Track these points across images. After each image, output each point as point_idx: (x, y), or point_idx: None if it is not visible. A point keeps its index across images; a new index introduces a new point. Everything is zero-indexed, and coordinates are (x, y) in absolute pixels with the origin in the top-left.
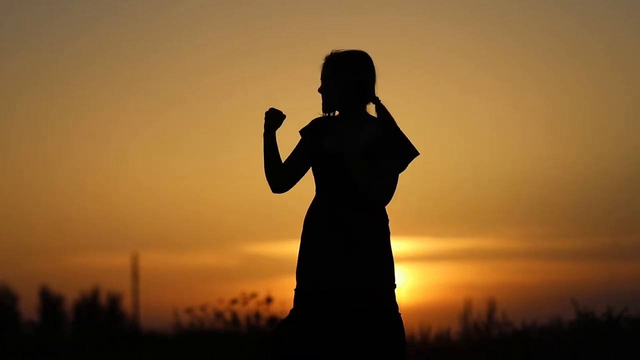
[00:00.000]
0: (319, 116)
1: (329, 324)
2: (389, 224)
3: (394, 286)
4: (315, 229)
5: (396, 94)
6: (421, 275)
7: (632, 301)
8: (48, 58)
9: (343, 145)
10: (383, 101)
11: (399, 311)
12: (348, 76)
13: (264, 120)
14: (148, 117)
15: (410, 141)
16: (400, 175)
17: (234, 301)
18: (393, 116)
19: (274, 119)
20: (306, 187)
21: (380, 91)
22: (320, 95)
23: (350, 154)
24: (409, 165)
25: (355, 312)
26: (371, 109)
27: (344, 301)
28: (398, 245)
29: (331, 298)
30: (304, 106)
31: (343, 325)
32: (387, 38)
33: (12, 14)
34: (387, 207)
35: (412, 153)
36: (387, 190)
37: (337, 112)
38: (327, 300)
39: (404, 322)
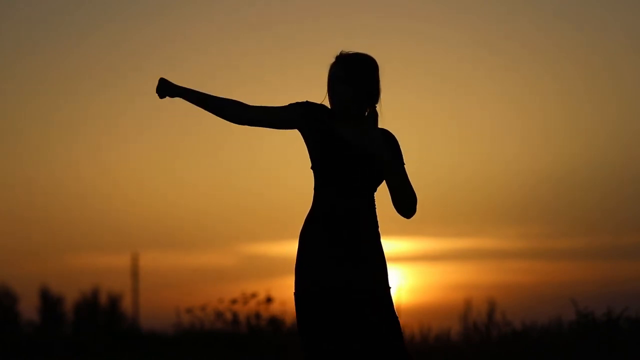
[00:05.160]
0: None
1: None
2: (384, 225)
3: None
4: (327, 226)
5: (396, 95)
6: (421, 275)
7: (632, 301)
8: (50, 59)
9: (370, 146)
10: (381, 101)
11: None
12: (362, 81)
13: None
14: (149, 117)
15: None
16: None
17: (234, 301)
18: (394, 117)
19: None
20: (306, 188)
21: (381, 92)
22: (322, 94)
23: (386, 159)
24: (409, 165)
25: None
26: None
27: (349, 300)
28: (398, 245)
29: (339, 296)
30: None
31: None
32: (386, 39)
33: (13, 15)
34: (386, 207)
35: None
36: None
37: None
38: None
39: (403, 322)
